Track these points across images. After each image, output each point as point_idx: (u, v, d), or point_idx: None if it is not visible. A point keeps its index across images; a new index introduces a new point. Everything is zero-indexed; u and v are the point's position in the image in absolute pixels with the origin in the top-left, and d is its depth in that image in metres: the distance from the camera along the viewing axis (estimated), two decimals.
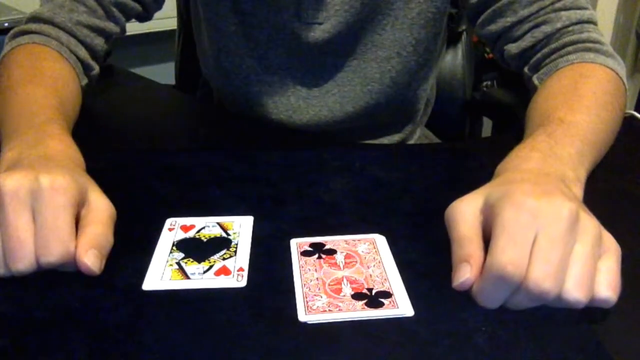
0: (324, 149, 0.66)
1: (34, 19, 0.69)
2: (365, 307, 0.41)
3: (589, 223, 0.40)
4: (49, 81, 0.62)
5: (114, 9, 0.73)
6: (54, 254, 0.41)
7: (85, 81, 0.70)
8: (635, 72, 2.30)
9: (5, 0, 1.34)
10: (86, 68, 0.70)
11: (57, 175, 0.43)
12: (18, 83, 0.61)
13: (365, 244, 0.49)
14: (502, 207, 0.40)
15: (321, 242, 0.49)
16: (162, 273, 0.45)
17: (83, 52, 0.70)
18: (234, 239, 0.49)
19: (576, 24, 0.67)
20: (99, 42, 0.72)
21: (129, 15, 0.76)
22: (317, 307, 0.41)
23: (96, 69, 0.72)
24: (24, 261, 0.41)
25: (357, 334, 0.39)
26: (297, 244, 0.48)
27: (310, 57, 0.77)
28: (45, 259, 0.41)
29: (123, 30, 0.76)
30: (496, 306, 0.40)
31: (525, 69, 0.70)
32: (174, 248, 0.48)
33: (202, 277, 0.45)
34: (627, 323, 0.41)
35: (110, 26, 0.73)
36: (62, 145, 0.52)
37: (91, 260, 0.42)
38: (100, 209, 0.45)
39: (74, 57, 0.68)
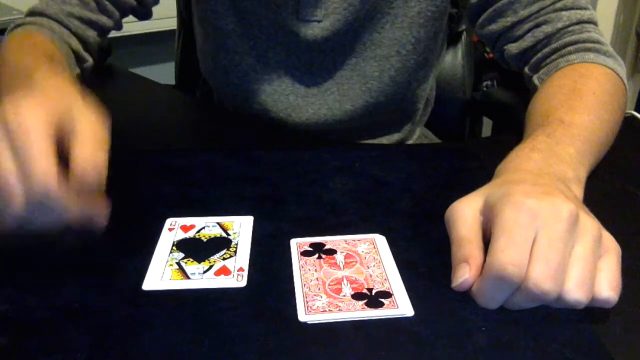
0: (324, 148, 0.66)
1: (30, 12, 0.72)
2: (365, 307, 0.41)
3: (589, 223, 0.40)
4: (46, 53, 0.62)
5: (107, 3, 0.74)
6: (37, 181, 0.39)
7: (77, 71, 0.70)
8: (635, 72, 2.30)
9: (5, 0, 1.34)
10: (79, 59, 0.71)
11: (20, 101, 0.41)
12: (13, 54, 0.62)
13: (365, 244, 0.49)
14: (502, 207, 0.40)
15: (321, 242, 0.49)
16: (162, 273, 0.45)
17: (75, 43, 0.70)
18: (234, 239, 0.49)
19: (576, 24, 0.67)
20: (91, 34, 0.72)
21: (123, 9, 0.77)
22: (317, 307, 0.41)
23: (89, 61, 0.73)
24: (14, 200, 0.39)
25: (357, 334, 0.39)
26: (297, 244, 0.48)
27: (309, 55, 0.77)
28: (31, 190, 0.39)
29: (118, 24, 0.77)
30: (496, 306, 0.40)
31: (526, 69, 0.70)
32: (174, 248, 0.48)
33: (202, 277, 0.45)
34: (627, 323, 0.41)
35: (103, 19, 0.74)
36: (47, 72, 0.50)
37: (89, 172, 0.41)
38: (86, 128, 0.43)
39: (66, 47, 0.69)
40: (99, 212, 0.42)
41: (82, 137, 0.42)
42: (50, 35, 0.68)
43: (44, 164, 0.40)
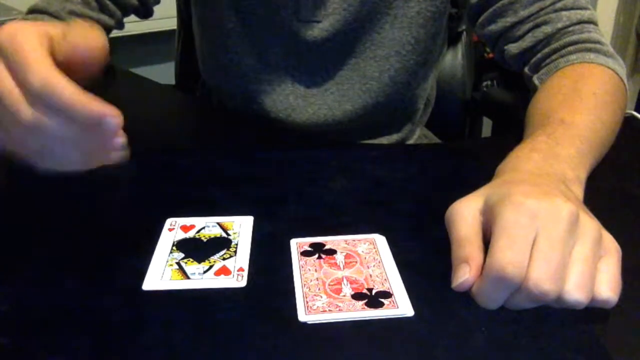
0: (324, 149, 0.66)
1: (30, 11, 0.72)
2: (365, 307, 0.41)
3: (589, 224, 0.40)
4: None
5: (108, 2, 0.74)
6: (35, 76, 0.38)
7: None
8: (635, 72, 2.30)
9: (5, 0, 1.34)
10: None
11: (9, 24, 0.40)
12: None
13: (365, 244, 0.49)
14: (502, 208, 0.40)
15: (321, 242, 0.49)
16: (162, 273, 0.45)
17: None
18: (234, 239, 0.49)
19: (577, 24, 0.67)
20: None
21: (125, 9, 0.77)
22: (317, 307, 0.41)
23: None
24: (19, 108, 0.38)
25: (357, 334, 0.39)
26: (297, 244, 0.48)
27: (309, 55, 0.77)
28: (29, 85, 0.38)
29: (119, 24, 0.77)
30: (496, 307, 0.40)
31: (526, 69, 0.70)
32: (174, 248, 0.48)
33: (202, 277, 0.45)
34: (627, 323, 0.41)
35: (105, 19, 0.74)
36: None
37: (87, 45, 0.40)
38: (79, 26, 0.42)
39: None
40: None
41: (75, 29, 0.41)
42: None
43: (40, 64, 0.38)
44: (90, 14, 0.72)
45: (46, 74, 0.38)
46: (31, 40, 0.39)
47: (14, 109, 0.38)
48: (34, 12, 0.71)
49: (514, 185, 0.43)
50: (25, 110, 0.38)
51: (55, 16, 0.70)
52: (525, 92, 0.72)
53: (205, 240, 0.49)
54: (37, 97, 0.38)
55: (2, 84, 0.39)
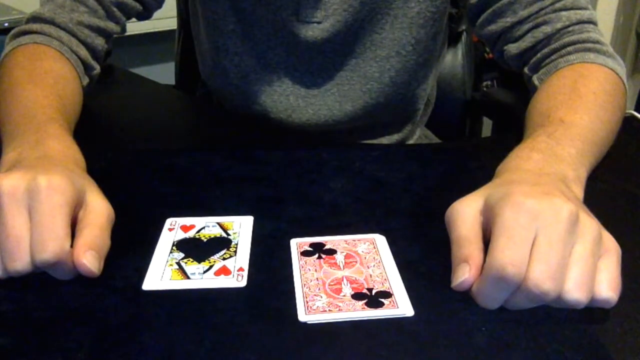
0: (324, 148, 0.66)
1: (35, 19, 0.69)
2: (365, 307, 0.41)
3: (589, 223, 0.40)
4: (50, 81, 0.62)
5: (115, 9, 0.73)
6: (48, 251, 0.40)
7: (86, 81, 0.70)
8: (635, 72, 2.30)
9: (5, 0, 1.34)
10: (87, 68, 0.70)
11: (54, 175, 0.43)
12: (19, 83, 0.61)
13: (365, 244, 0.49)
14: (502, 207, 0.40)
15: (321, 242, 0.49)
16: (162, 273, 0.45)
17: (84, 52, 0.70)
18: (234, 239, 0.49)
19: (576, 24, 0.67)
20: (99, 42, 0.72)
21: (129, 14, 0.76)
22: (317, 307, 0.41)
23: (97, 68, 0.72)
24: (20, 261, 0.41)
25: (357, 334, 0.39)
26: (297, 244, 0.48)
27: (309, 56, 0.77)
28: (40, 257, 0.40)
29: (123, 29, 0.77)
30: (496, 307, 0.40)
31: (525, 69, 0.70)
32: (174, 248, 0.48)
33: (202, 277, 0.45)
34: (627, 323, 0.41)
35: (111, 26, 0.73)
36: (62, 146, 0.52)
37: (90, 260, 0.42)
38: (98, 211, 0.45)
39: (75, 57, 0.68)
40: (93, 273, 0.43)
41: (90, 221, 0.44)
42: (59, 47, 0.67)
43: (59, 239, 0.41)
44: (97, 22, 0.71)
45: (59, 250, 0.41)
46: (63, 209, 0.42)
47: (12, 255, 0.41)
48: (40, 21, 0.68)
49: (514, 185, 0.43)
50: (23, 262, 0.41)
51: (63, 28, 0.68)
52: (525, 92, 0.72)
53: (205, 240, 0.49)
54: (41, 262, 0.41)
55: (15, 232, 0.41)
